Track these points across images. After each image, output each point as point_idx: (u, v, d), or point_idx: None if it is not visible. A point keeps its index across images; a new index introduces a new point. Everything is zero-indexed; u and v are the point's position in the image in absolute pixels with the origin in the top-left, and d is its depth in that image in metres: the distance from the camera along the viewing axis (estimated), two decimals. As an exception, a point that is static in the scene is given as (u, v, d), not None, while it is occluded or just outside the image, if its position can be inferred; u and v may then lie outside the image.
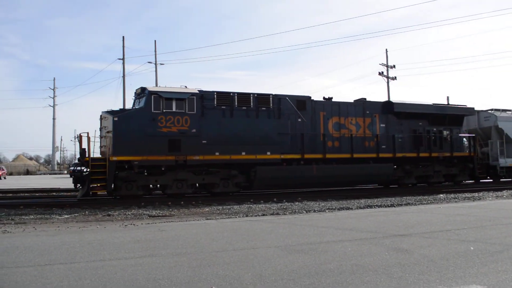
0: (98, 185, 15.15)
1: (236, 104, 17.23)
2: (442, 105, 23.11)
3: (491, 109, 24.75)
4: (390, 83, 43.35)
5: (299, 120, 18.42)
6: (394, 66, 43.93)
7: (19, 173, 79.77)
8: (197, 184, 17.26)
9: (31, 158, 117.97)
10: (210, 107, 16.76)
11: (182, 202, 15.13)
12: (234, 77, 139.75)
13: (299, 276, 4.69)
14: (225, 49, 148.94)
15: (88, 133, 15.79)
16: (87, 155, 15.61)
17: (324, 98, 19.90)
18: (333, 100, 19.94)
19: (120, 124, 15.34)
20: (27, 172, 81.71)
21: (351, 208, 12.88)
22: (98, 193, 15.83)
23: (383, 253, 5.85)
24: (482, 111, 24.87)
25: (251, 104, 17.49)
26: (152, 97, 15.76)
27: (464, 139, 23.39)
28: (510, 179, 24.40)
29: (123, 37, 46.41)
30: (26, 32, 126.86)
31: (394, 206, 13.36)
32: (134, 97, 17.25)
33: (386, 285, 4.30)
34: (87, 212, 12.87)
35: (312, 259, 5.56)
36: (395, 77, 43.68)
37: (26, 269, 5.25)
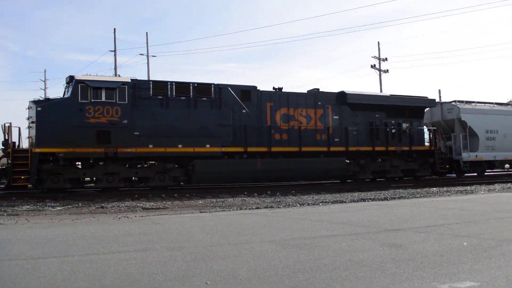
0: (23, 177, 14.56)
1: (174, 93, 16.54)
2: (400, 96, 22.23)
3: (454, 101, 23.92)
4: (382, 76, 43.36)
5: (244, 111, 17.62)
6: (386, 59, 43.93)
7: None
8: (134, 178, 16.77)
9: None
10: (145, 97, 16.10)
11: (176, 195, 15.12)
12: (226, 69, 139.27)
13: (293, 272, 4.70)
14: (218, 41, 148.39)
15: (10, 123, 15.15)
16: (15, 147, 14.98)
17: (274, 88, 19.07)
18: (283, 90, 19.12)
19: (43, 114, 14.70)
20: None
21: (345, 202, 12.93)
22: (29, 185, 15.33)
23: (377, 248, 5.87)
24: (445, 102, 24.23)
25: (191, 94, 16.77)
26: (79, 86, 15.03)
27: (426, 132, 22.67)
28: (475, 174, 23.69)
29: (114, 29, 46.39)
30: (15, 23, 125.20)
31: (388, 200, 13.44)
32: (64, 86, 16.33)
33: (380, 281, 4.31)
34: (80, 204, 12.82)
35: (307, 254, 5.57)
36: (387, 70, 43.71)
37: (19, 262, 5.21)
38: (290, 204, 12.38)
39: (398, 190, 16.49)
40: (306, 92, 19.74)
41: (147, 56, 38.71)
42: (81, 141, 14.80)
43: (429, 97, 22.66)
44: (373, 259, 5.25)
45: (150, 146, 15.65)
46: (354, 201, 13.18)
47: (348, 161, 19.76)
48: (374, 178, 20.99)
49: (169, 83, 16.61)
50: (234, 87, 17.68)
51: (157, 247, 6.08)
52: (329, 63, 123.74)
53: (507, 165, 27.86)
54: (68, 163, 15.36)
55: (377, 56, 43.40)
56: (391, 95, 21.72)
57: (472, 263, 5.02)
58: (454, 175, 24.49)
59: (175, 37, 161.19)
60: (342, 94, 20.09)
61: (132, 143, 15.39)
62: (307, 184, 19.97)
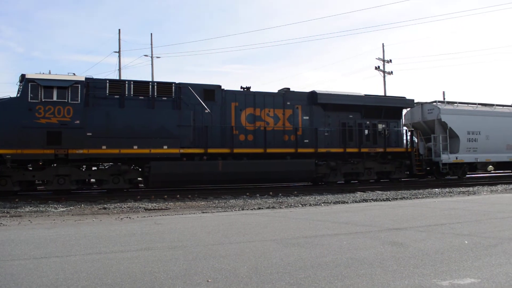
0: None
1: (131, 93, 15.92)
2: (376, 96, 21.28)
3: (435, 101, 22.89)
4: (386, 77, 43.34)
5: (206, 111, 16.85)
6: (390, 60, 43.88)
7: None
8: (92, 180, 16.15)
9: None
10: (101, 96, 15.53)
11: (178, 196, 15.16)
12: (231, 70, 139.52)
13: (294, 269, 4.71)
14: (223, 43, 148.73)
15: None
16: None
17: (241, 87, 18.31)
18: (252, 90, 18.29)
19: None
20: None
21: (347, 202, 12.94)
22: None
23: (378, 246, 5.88)
24: (426, 103, 23.09)
25: (150, 94, 16.10)
26: (30, 85, 14.43)
27: (405, 133, 21.59)
28: (456, 177, 22.60)
29: (119, 30, 46.11)
30: (19, 24, 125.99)
31: (389, 200, 13.44)
32: (17, 85, 15.56)
33: (381, 278, 4.33)
34: (83, 205, 12.86)
35: (308, 252, 5.59)
36: (391, 72, 43.68)
37: (21, 262, 5.24)
38: (292, 204, 12.39)
39: (400, 191, 16.49)
40: (274, 92, 18.97)
41: (151, 57, 38.69)
42: (30, 142, 14.21)
43: (407, 97, 21.82)
44: (374, 257, 5.26)
45: (104, 147, 15.00)
46: (356, 201, 13.18)
47: (320, 163, 18.90)
48: (348, 181, 20.11)
49: (127, 82, 16.05)
50: (196, 86, 17.00)
51: (159, 247, 6.10)
52: (334, 64, 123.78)
53: (490, 167, 27.00)
54: (17, 165, 14.69)
55: (382, 57, 43.35)
56: (366, 95, 20.65)
57: (473, 260, 5.03)
58: (433, 178, 23.10)
59: (180, 38, 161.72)
60: (313, 94, 19.28)
61: (84, 144, 14.72)
62: (307, 185, 19.75)
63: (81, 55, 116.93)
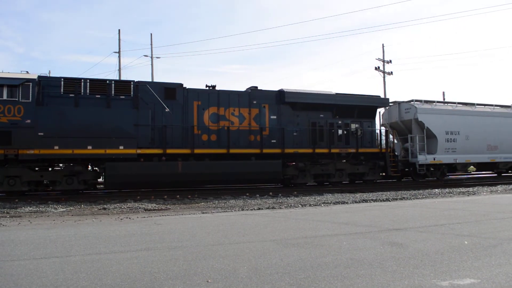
0: None
1: (88, 91, 15.41)
2: (349, 95, 20.23)
3: (412, 100, 22.17)
4: (386, 78, 43.37)
5: (167, 110, 16.40)
6: (390, 61, 43.93)
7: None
8: (45, 181, 15.58)
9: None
10: (55, 95, 15.01)
11: (178, 196, 15.15)
12: (231, 71, 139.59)
13: (294, 270, 4.71)
14: (223, 43, 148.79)
15: None
16: None
17: (206, 86, 17.72)
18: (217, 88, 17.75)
19: None
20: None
21: (347, 203, 12.94)
22: None
23: (378, 247, 5.89)
24: (403, 102, 22.32)
25: (107, 92, 15.60)
26: None
27: (379, 133, 20.87)
28: (436, 178, 21.88)
29: (119, 30, 46.18)
30: (19, 24, 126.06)
31: (389, 201, 13.44)
32: None
33: (381, 278, 4.33)
34: (82, 205, 12.86)
35: (308, 253, 5.59)
36: (391, 72, 43.71)
37: (21, 262, 5.24)
38: (292, 205, 12.39)
39: (400, 192, 16.49)
40: (240, 90, 18.42)
41: (151, 57, 38.69)
42: None
43: (382, 96, 21.24)
44: (374, 257, 5.26)
45: (56, 147, 14.52)
46: (356, 202, 13.18)
47: (288, 164, 18.38)
48: (321, 183, 19.37)
49: (82, 80, 15.54)
50: (155, 84, 16.69)
51: (159, 247, 6.10)
52: (334, 64, 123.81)
53: (472, 167, 26.29)
54: None
55: (381, 58, 43.38)
56: (337, 94, 19.79)
57: (473, 261, 5.03)
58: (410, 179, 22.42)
59: (179, 39, 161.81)
60: (281, 93, 18.58)
61: (35, 144, 14.27)
62: (309, 185, 19.63)
63: (80, 56, 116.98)
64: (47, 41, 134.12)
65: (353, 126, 19.76)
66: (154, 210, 11.83)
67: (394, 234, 6.97)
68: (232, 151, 16.98)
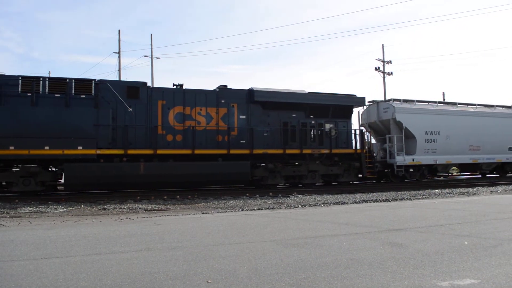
0: None
1: (47, 90, 15.12)
2: (322, 94, 19.56)
3: (391, 99, 21.57)
4: (386, 78, 43.39)
5: (130, 110, 16.00)
6: (390, 61, 44.00)
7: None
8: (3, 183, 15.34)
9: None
10: (12, 94, 14.69)
11: (178, 196, 15.15)
12: (231, 71, 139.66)
13: (294, 270, 4.71)
14: (224, 43, 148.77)
15: None
16: None
17: (174, 84, 17.32)
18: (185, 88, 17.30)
19: None
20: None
21: (346, 203, 12.94)
22: None
23: (378, 247, 5.89)
24: (382, 101, 21.88)
25: (67, 91, 15.22)
26: None
27: (354, 133, 20.08)
28: (415, 180, 21.28)
29: (119, 30, 46.34)
30: (19, 25, 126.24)
31: (389, 201, 13.44)
32: None
33: (381, 279, 4.33)
34: (82, 206, 12.87)
35: (308, 253, 5.59)
36: (391, 72, 43.74)
37: (21, 263, 5.24)
38: (292, 205, 12.39)
39: (400, 192, 16.50)
40: (208, 89, 17.92)
41: (151, 57, 38.73)
42: None
43: (358, 95, 20.22)
44: (374, 257, 5.26)
45: (11, 147, 14.16)
46: (355, 202, 13.19)
47: (259, 165, 17.93)
48: (295, 184, 18.89)
49: (41, 79, 15.19)
50: (118, 83, 16.28)
51: (159, 247, 6.10)
52: (335, 65, 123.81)
53: (455, 168, 25.51)
54: None
55: (381, 58, 43.41)
56: (310, 92, 19.13)
57: (473, 261, 5.03)
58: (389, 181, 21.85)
59: (179, 39, 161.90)
60: (250, 92, 18.08)
61: None
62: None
63: (80, 56, 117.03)
64: (47, 41, 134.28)
65: (328, 126, 19.27)
66: (154, 210, 11.83)
67: (394, 234, 6.97)
68: (197, 151, 16.56)
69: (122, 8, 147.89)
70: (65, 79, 15.49)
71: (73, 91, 15.41)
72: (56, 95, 15.20)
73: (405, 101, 21.57)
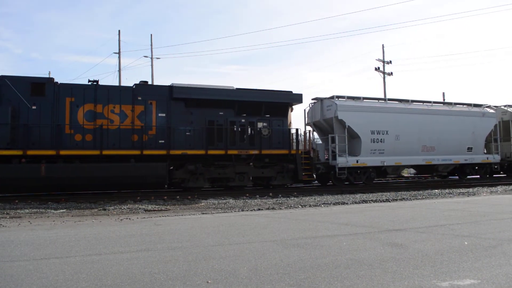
0: None
1: None
2: (253, 90, 18.28)
3: (333, 96, 19.90)
4: (386, 78, 43.40)
5: (33, 108, 14.93)
6: (390, 61, 43.98)
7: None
8: None
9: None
10: None
11: (178, 197, 15.15)
12: (231, 72, 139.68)
13: (294, 270, 4.71)
14: (224, 43, 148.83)
15: None
16: None
17: (89, 81, 16.11)
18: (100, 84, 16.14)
19: None
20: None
21: (346, 203, 12.94)
22: None
23: (378, 247, 5.88)
24: (325, 99, 20.09)
25: None
26: None
27: (289, 132, 18.65)
28: (362, 183, 19.83)
29: (119, 31, 46.37)
30: (17, 25, 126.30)
31: (389, 201, 13.44)
32: None
33: (381, 279, 4.32)
34: (82, 206, 12.86)
35: (308, 253, 5.59)
36: (391, 73, 43.74)
37: (21, 263, 5.24)
38: (292, 205, 12.39)
39: (400, 192, 16.50)
40: (123, 85, 16.91)
41: (151, 58, 38.73)
42: None
43: (294, 92, 18.70)
44: (374, 258, 5.26)
45: None
46: (355, 202, 13.19)
47: (180, 167, 16.93)
48: (227, 187, 17.79)
49: None
50: (20, 79, 15.04)
51: (159, 247, 6.10)
52: (335, 65, 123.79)
53: (407, 170, 23.83)
54: None
55: (381, 58, 43.41)
56: (238, 88, 17.85)
57: (473, 261, 5.03)
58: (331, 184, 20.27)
59: (180, 40, 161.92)
60: (170, 88, 16.85)
61: None
62: (309, 185, 19.43)
63: (80, 56, 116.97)
64: (47, 42, 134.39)
65: (260, 124, 17.91)
66: (154, 210, 11.83)
67: (394, 234, 6.97)
68: (105, 152, 15.39)
69: (122, 8, 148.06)
70: None
71: None
72: None
73: (350, 98, 20.23)
